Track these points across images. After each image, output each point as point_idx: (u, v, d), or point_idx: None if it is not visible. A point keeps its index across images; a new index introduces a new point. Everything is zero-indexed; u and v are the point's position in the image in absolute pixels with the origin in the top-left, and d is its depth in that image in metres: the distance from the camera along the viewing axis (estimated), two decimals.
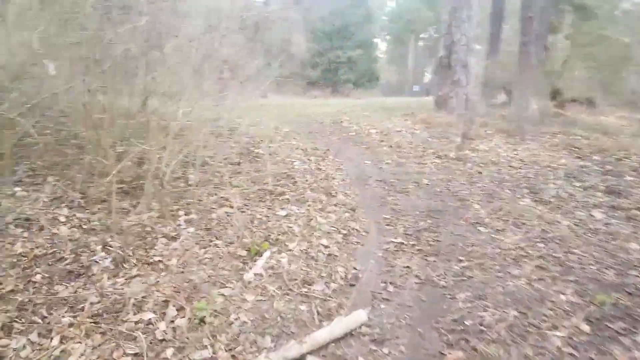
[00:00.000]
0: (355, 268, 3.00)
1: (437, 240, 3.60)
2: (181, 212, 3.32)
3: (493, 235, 3.76)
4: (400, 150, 7.22)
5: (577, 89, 21.10)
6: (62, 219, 2.86)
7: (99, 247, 2.59)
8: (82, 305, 2.13)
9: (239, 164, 5.33)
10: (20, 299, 2.07)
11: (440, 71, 10.68)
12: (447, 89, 10.54)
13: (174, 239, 2.89)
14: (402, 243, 3.52)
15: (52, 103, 3.59)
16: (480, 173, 5.93)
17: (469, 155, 6.91)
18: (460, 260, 3.23)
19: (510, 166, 6.46)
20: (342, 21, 34.34)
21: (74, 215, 2.94)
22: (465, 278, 2.98)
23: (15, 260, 2.37)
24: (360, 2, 36.00)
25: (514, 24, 23.38)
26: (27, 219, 2.72)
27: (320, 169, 5.77)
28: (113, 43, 3.87)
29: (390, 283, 2.86)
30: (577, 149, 7.84)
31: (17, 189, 3.15)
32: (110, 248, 2.59)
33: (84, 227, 2.83)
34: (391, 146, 7.50)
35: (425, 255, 3.32)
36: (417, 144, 7.60)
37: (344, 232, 3.60)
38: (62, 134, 3.77)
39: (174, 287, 2.35)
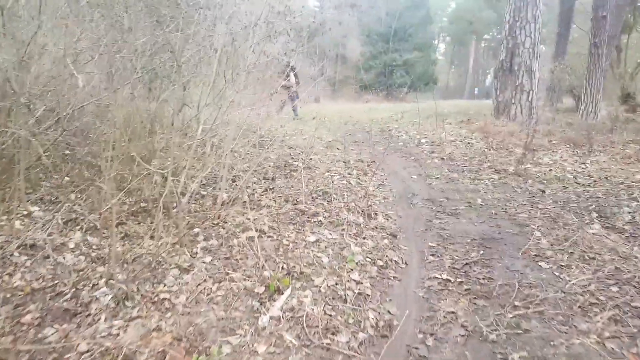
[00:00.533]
0: (389, 312, 2.59)
1: (490, 278, 3.11)
2: (200, 237, 3.05)
3: (556, 274, 3.21)
4: (453, 163, 6.67)
5: None
6: (72, 244, 2.67)
7: (103, 280, 2.35)
8: (69, 355, 1.87)
9: (273, 179, 5.05)
10: (1, 346, 1.84)
11: (501, 75, 9.93)
12: (508, 95, 9.78)
13: (186, 270, 2.61)
14: (448, 280, 3.05)
15: (80, 115, 3.45)
16: (543, 192, 5.30)
17: (530, 169, 6.25)
18: (516, 307, 2.73)
19: (577, 183, 5.76)
20: (400, 23, 33.62)
21: (86, 240, 2.75)
22: (520, 331, 2.48)
23: (9, 295, 2.18)
24: (420, 3, 35.11)
25: (583, 24, 21.84)
26: (33, 245, 2.55)
27: (362, 184, 5.37)
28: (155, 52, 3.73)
29: (431, 335, 2.42)
30: None
31: (35, 208, 3.02)
32: (115, 282, 2.34)
33: (93, 254, 2.62)
34: (443, 158, 6.96)
35: (475, 298, 2.84)
36: (472, 155, 7.01)
37: (380, 263, 3.19)
38: (92, 148, 3.63)
39: (175, 334, 2.05)
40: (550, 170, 6.28)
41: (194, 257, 2.78)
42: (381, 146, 7.96)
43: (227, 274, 2.65)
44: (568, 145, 8.15)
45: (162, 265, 2.61)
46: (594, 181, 5.86)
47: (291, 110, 11.79)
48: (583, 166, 6.68)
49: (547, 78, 15.54)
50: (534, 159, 6.67)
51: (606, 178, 6.04)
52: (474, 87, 49.80)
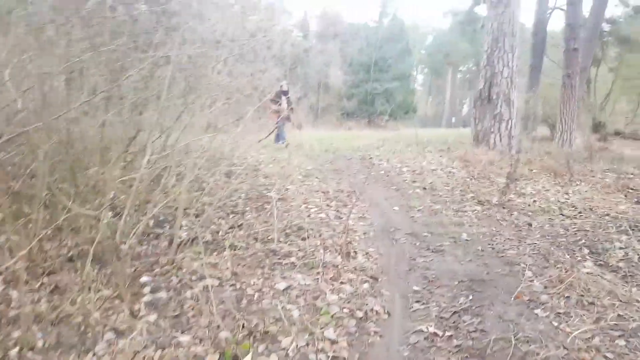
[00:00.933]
0: None
1: (482, 331, 2.73)
2: (147, 289, 2.61)
3: (555, 324, 2.85)
4: (435, 194, 6.37)
5: (619, 122, 19.79)
6: None
7: (16, 350, 1.89)
8: None
9: (243, 213, 4.64)
10: None
11: (479, 104, 9.82)
12: (487, 123, 9.65)
13: (123, 334, 2.17)
14: (436, 334, 2.66)
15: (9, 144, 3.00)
16: (530, 225, 5.00)
17: (514, 200, 5.99)
18: None
19: (563, 214, 5.50)
20: (380, 54, 34.07)
21: (6, 294, 2.29)
22: None
23: None
24: (399, 36, 35.74)
25: (554, 55, 22.36)
26: None
27: (341, 217, 5.00)
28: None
29: None
30: (633, 191, 6.80)
31: None
32: (32, 352, 1.89)
33: (10, 314, 2.16)
34: (425, 188, 6.66)
35: (467, 357, 2.46)
36: (454, 185, 6.73)
37: (360, 315, 2.78)
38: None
39: None
40: (534, 201, 6.02)
41: (136, 316, 2.33)
42: (362, 175, 7.64)
43: (174, 337, 2.20)
44: (549, 174, 7.96)
45: (95, 327, 2.16)
46: (579, 212, 5.61)
47: (279, 135, 11.28)
48: (566, 196, 6.46)
49: (522, 107, 15.67)
50: (517, 188, 6.42)
51: (591, 209, 5.80)
52: (451, 116, 50.54)
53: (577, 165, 8.42)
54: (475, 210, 5.51)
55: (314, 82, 37.12)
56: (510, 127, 9.53)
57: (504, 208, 5.65)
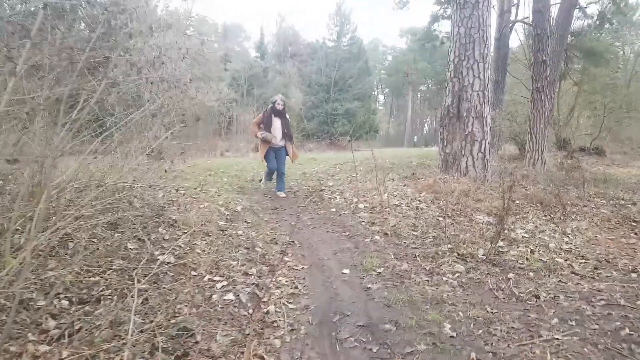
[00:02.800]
0: None
1: None
2: None
3: None
4: (400, 243, 4.77)
5: (582, 138, 19.12)
6: None
7: None
8: None
9: (98, 300, 2.87)
10: None
11: (447, 123, 8.39)
12: (457, 145, 8.22)
13: None
14: None
15: None
16: (537, 298, 3.45)
17: (505, 251, 4.45)
18: None
19: (575, 273, 4.01)
20: (339, 73, 32.97)
21: None
22: None
23: None
24: (358, 55, 34.84)
25: (514, 71, 21.68)
26: None
27: (260, 296, 3.30)
28: None
29: None
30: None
31: None
32: None
33: None
34: (386, 234, 5.05)
35: None
36: (425, 229, 5.15)
37: None
38: None
39: None
40: (531, 251, 4.51)
41: None
42: (308, 215, 5.97)
43: None
44: (535, 206, 6.55)
45: None
46: (595, 268, 4.13)
47: (272, 176, 7.79)
48: (567, 239, 5.02)
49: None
50: (505, 232, 4.89)
51: (607, 260, 4.35)
52: (413, 135, 50.06)
53: (562, 192, 7.09)
54: (458, 272, 3.91)
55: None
56: (485, 149, 8.12)
57: (494, 265, 4.09)
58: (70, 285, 3.16)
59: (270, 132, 7.06)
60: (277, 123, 7.12)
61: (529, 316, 3.15)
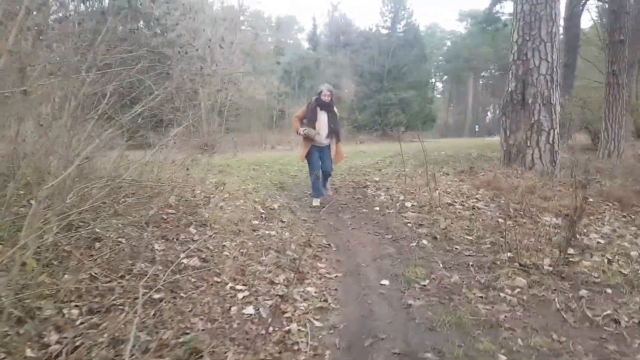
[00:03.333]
0: None
1: None
2: None
3: None
4: (451, 249, 4.22)
5: None
6: None
7: None
8: None
9: (103, 312, 2.60)
10: None
11: (510, 111, 7.61)
12: (521, 136, 7.43)
13: None
14: None
15: None
16: (617, 323, 2.83)
17: (576, 263, 3.79)
18: None
19: None
20: (393, 62, 31.94)
21: None
22: None
23: None
24: (414, 41, 33.60)
25: (585, 54, 19.86)
26: None
27: (283, 311, 2.92)
28: None
29: None
30: None
31: None
32: None
33: None
34: (435, 237, 4.51)
35: None
36: (481, 233, 4.56)
37: None
38: None
39: None
40: (608, 261, 3.82)
41: None
42: (348, 214, 5.53)
43: None
44: (612, 205, 5.74)
45: None
46: None
47: (316, 184, 6.03)
48: None
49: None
50: (577, 236, 4.20)
51: None
52: (474, 124, 48.02)
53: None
54: (518, 287, 3.33)
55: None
56: (553, 139, 7.28)
57: (563, 279, 3.47)
58: (84, 292, 2.93)
59: (314, 128, 5.78)
60: (322, 117, 5.82)
61: (606, 347, 2.55)
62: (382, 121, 31.58)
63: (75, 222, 4.00)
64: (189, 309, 2.83)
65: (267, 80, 22.43)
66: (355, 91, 32.32)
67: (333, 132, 5.98)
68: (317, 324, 2.81)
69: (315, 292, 3.25)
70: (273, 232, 4.51)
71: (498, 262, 3.78)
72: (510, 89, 7.62)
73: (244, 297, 3.06)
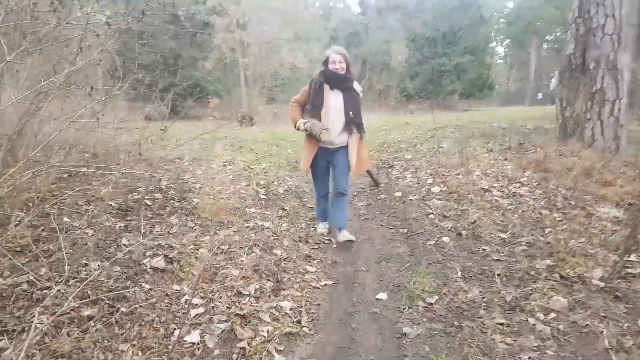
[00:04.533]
0: None
1: None
2: None
3: None
4: (477, 251, 3.44)
5: None
6: None
7: None
8: None
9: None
10: None
11: (569, 78, 6.47)
12: (579, 106, 6.31)
13: None
14: None
15: None
16: None
17: (634, 276, 2.91)
18: None
19: None
20: (448, 25, 29.90)
21: None
22: None
23: None
24: (471, 2, 31.22)
25: None
26: None
27: (242, 338, 2.32)
28: None
29: None
30: None
31: None
32: None
33: None
34: (460, 234, 3.74)
35: None
36: (518, 230, 3.72)
37: None
38: None
39: None
40: None
41: None
42: (364, 201, 4.83)
43: None
44: None
45: None
46: None
47: (324, 205, 4.04)
48: None
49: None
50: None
51: None
52: (537, 92, 44.76)
53: None
54: (554, 311, 2.53)
55: (373, 61, 33.86)
56: (619, 112, 6.11)
57: (617, 299, 2.64)
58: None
59: (320, 120, 3.53)
60: (334, 101, 3.57)
61: None
62: (435, 89, 29.91)
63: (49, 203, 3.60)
64: (123, 331, 2.30)
65: (308, 47, 21.54)
66: (406, 57, 30.70)
67: (352, 125, 3.59)
68: (278, 355, 2.20)
69: (290, 309, 2.62)
70: (268, 224, 3.90)
71: (533, 272, 2.98)
72: (569, 51, 6.46)
73: (196, 315, 2.49)
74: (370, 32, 32.87)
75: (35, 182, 3.60)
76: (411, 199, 4.70)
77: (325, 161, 3.73)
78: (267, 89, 19.69)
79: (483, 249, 3.44)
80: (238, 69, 18.02)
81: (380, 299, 2.78)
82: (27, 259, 2.94)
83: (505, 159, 5.99)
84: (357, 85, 3.71)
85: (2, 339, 2.13)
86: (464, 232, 3.74)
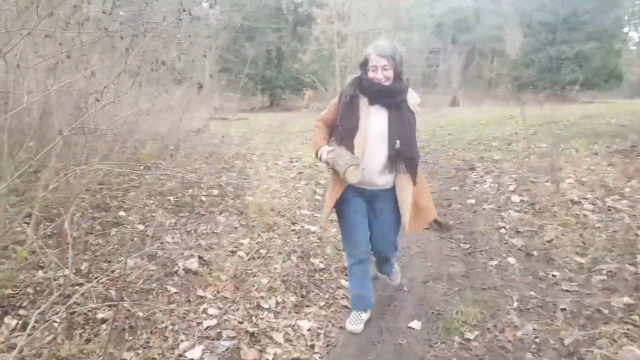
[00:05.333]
0: None
1: None
2: None
3: None
4: (545, 277, 2.91)
5: None
6: None
7: None
8: None
9: None
10: None
11: None
12: None
13: None
14: None
15: None
16: None
17: None
18: None
19: None
20: (570, 9, 26.92)
21: None
22: None
23: None
24: None
25: None
26: None
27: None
28: None
29: None
30: None
31: None
32: None
33: None
34: (530, 254, 3.21)
35: None
36: (600, 254, 3.08)
37: None
38: None
39: None
40: None
41: None
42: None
43: None
44: None
45: None
46: None
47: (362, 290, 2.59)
48: None
49: None
50: None
51: None
52: None
53: None
54: None
55: (483, 49, 31.79)
56: None
57: None
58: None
59: (352, 149, 2.30)
60: (373, 123, 2.37)
61: None
62: (553, 79, 27.27)
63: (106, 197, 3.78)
64: (132, 338, 2.27)
65: (408, 36, 20.77)
66: (521, 44, 28.29)
67: (400, 160, 2.37)
68: None
69: (308, 329, 2.41)
70: (314, 228, 3.71)
71: (606, 311, 2.43)
72: None
73: (207, 327, 2.39)
74: (482, 18, 30.86)
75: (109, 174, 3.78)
76: (484, 209, 4.20)
77: (361, 206, 2.46)
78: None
79: (553, 275, 2.91)
80: (334, 61, 17.97)
81: (413, 328, 2.46)
82: (76, 253, 3.09)
83: (610, 165, 5.14)
84: (413, 98, 2.41)
85: (21, 335, 2.21)
86: (535, 253, 3.22)
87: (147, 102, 4.62)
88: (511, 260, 3.16)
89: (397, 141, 2.30)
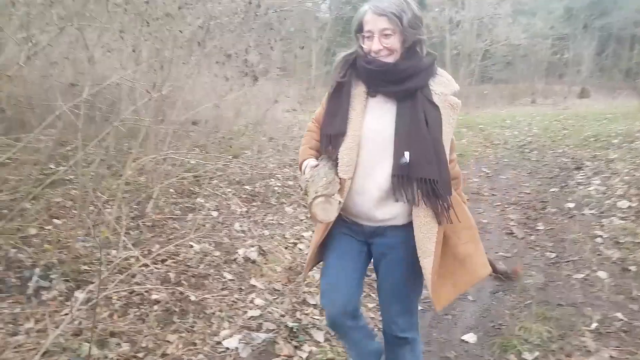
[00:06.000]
0: None
1: None
2: None
3: None
4: (636, 297, 2.45)
5: None
6: None
7: None
8: None
9: None
10: None
11: None
12: None
13: None
14: None
15: None
16: None
17: None
18: None
19: None
20: None
21: None
22: None
23: None
24: None
25: None
26: None
27: (279, 354, 2.14)
28: None
29: None
30: None
31: None
32: None
33: None
34: (627, 269, 2.74)
35: None
36: None
37: None
38: None
39: None
40: None
41: None
42: (520, 210, 3.99)
43: None
44: None
45: None
46: None
47: None
48: None
49: None
50: None
51: None
52: None
53: None
54: None
55: (620, 35, 28.09)
56: None
57: None
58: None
59: (336, 164, 1.40)
60: (368, 123, 1.40)
61: None
62: None
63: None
64: (180, 320, 2.36)
65: (529, 22, 19.13)
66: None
67: (413, 183, 1.34)
68: None
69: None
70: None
71: None
72: None
73: (250, 317, 2.39)
74: (621, 1, 27.28)
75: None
76: (583, 214, 3.67)
77: (351, 249, 1.52)
78: (477, 67, 18.38)
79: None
80: (444, 49, 17.19)
81: (466, 342, 2.22)
82: (153, 235, 3.31)
83: None
84: (443, 84, 1.41)
85: (81, 309, 2.41)
86: (632, 268, 2.73)
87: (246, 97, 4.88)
88: (601, 274, 2.72)
89: (406, 153, 1.32)
